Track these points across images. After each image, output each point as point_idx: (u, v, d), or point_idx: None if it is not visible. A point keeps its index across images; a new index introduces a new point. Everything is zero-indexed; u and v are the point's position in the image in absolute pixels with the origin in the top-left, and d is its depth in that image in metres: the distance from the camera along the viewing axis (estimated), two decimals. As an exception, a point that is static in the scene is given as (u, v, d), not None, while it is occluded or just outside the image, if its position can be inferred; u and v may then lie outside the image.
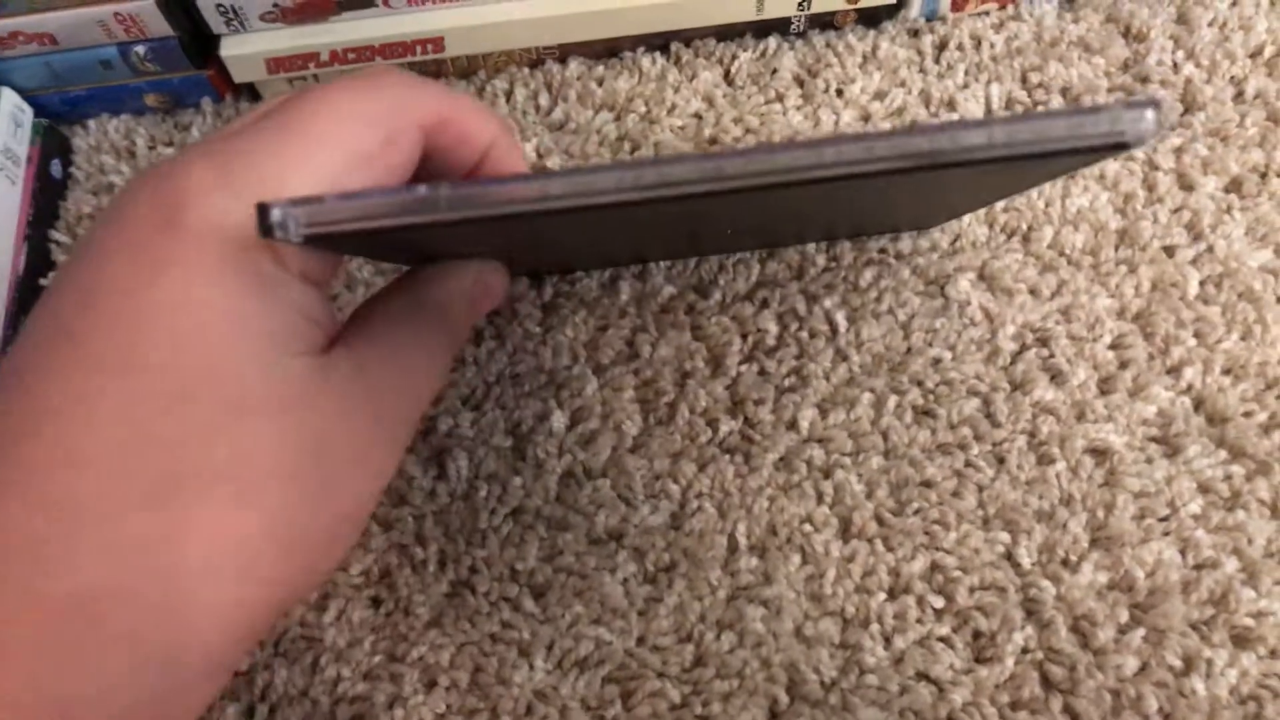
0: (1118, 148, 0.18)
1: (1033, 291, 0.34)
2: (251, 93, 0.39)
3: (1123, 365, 0.33)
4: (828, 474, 0.32)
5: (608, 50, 0.39)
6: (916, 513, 0.31)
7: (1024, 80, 0.38)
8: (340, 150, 0.22)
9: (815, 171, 0.18)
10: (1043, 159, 0.19)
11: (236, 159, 0.21)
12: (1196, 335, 0.33)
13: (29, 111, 0.38)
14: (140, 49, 0.37)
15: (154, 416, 0.20)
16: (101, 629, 0.19)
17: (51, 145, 0.38)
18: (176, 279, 0.20)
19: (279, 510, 0.21)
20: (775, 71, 0.38)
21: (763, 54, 0.39)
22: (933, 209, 0.31)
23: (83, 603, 0.19)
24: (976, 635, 0.30)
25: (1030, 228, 0.35)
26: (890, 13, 0.39)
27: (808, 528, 0.31)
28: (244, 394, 0.21)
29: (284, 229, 0.19)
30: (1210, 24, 0.38)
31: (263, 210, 0.19)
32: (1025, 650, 0.30)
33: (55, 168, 0.38)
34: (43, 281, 0.37)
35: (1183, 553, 0.30)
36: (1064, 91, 0.37)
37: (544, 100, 0.39)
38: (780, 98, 0.38)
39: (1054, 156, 0.18)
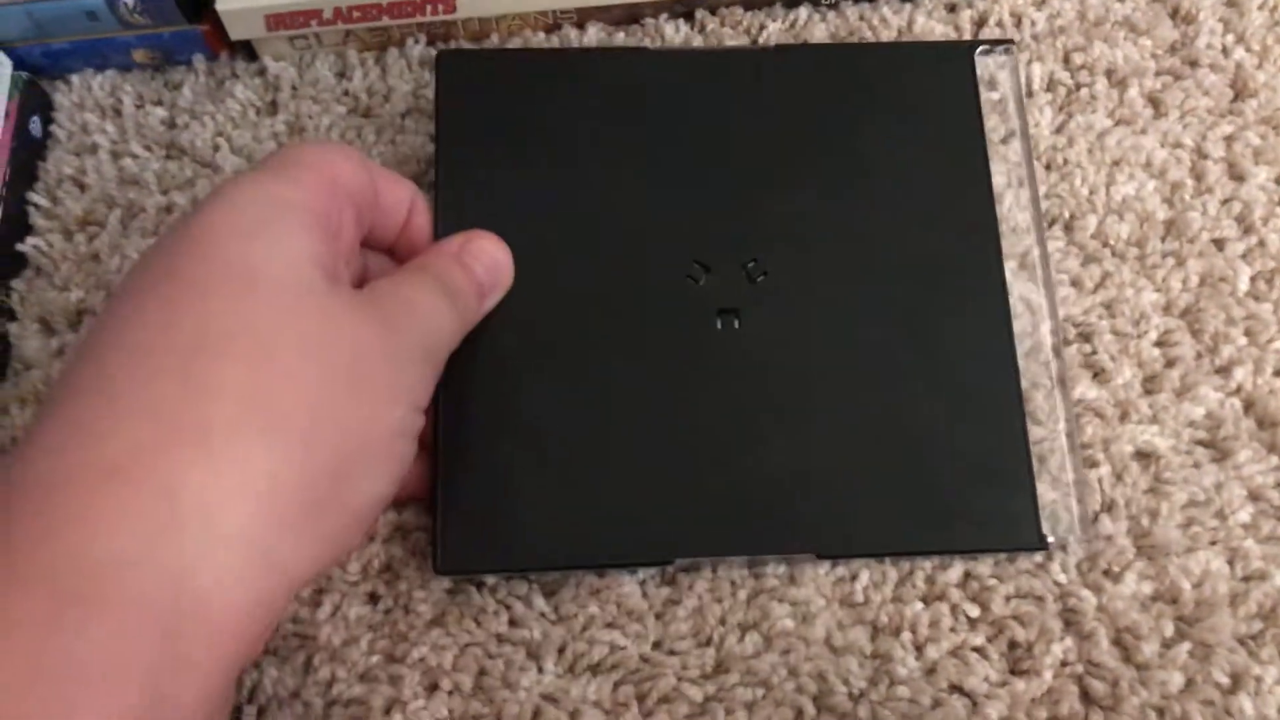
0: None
1: (1075, 283, 0.32)
2: (248, 51, 0.37)
3: (1169, 364, 0.31)
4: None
5: (628, 16, 0.37)
6: (951, 515, 0.29)
7: (1066, 61, 0.36)
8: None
9: None
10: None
11: None
12: (1247, 333, 0.31)
13: (8, 64, 0.35)
14: (129, 0, 0.34)
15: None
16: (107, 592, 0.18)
17: (31, 101, 0.36)
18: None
19: (311, 434, 0.21)
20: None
21: (793, 25, 0.37)
22: None
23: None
24: (1013, 646, 0.28)
25: (1073, 216, 0.33)
26: (927, -15, 0.37)
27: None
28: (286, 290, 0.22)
29: None
30: (1261, 7, 0.36)
31: None
32: (1064, 663, 0.28)
33: (34, 125, 0.36)
34: (20, 247, 0.34)
35: (1231, 563, 0.29)
36: (1109, 74, 0.35)
37: (560, 68, 0.36)
38: (810, 72, 0.36)
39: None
